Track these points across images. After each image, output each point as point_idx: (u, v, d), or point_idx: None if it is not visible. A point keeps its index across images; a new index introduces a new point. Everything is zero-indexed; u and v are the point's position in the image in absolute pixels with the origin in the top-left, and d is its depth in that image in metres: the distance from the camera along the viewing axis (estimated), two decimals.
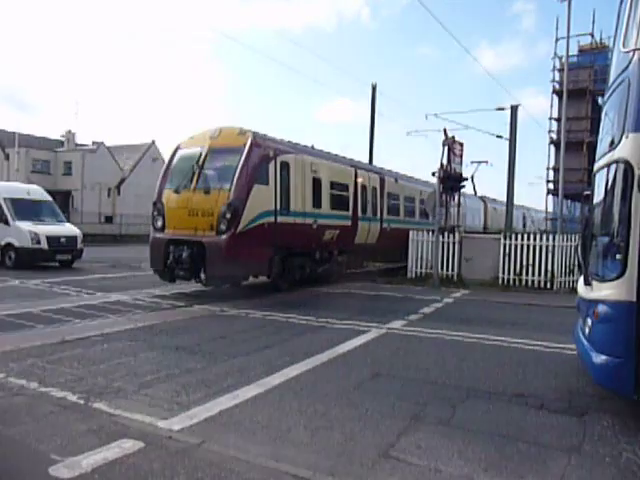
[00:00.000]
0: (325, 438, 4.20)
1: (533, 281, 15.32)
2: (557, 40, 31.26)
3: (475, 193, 20.85)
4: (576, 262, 13.92)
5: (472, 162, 21.82)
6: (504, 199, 22.15)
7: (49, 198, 19.84)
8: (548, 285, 15.15)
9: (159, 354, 6.72)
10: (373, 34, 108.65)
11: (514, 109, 21.00)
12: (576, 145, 29.55)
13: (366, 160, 23.45)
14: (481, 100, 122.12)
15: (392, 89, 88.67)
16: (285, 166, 12.85)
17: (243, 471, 3.60)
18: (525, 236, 15.86)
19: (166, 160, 13.63)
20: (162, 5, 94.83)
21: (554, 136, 32.55)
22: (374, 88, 26.11)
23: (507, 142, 21.18)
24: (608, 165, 4.95)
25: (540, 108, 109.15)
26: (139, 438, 4.05)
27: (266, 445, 4.04)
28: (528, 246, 15.44)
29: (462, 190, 21.42)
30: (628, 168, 4.49)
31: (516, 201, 23.41)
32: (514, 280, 15.50)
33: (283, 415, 4.67)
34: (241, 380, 5.63)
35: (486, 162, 22.72)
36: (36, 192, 19.44)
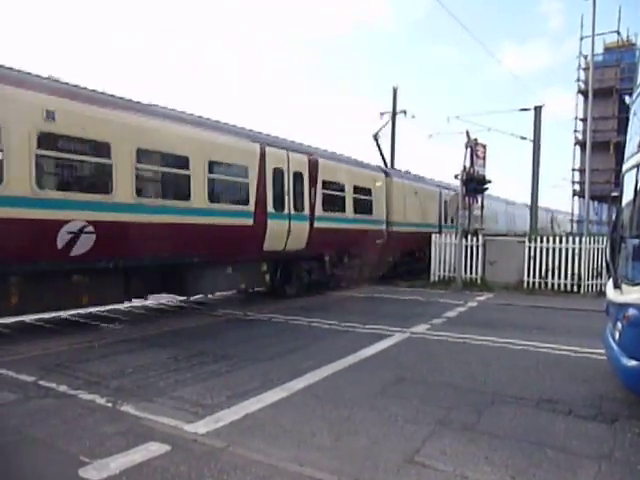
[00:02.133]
0: (349, 443, 4.19)
1: (559, 284, 15.06)
2: (582, 39, 30.75)
3: (384, 162, 19.94)
4: (604, 265, 13.63)
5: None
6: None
7: None
8: (575, 288, 14.87)
9: (184, 358, 6.79)
10: (395, 38, 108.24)
11: (538, 110, 20.71)
12: (602, 145, 28.99)
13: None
14: (505, 102, 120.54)
15: (414, 92, 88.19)
16: None
17: (268, 475, 3.61)
18: (551, 239, 15.60)
19: None
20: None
21: (579, 136, 31.94)
22: (395, 91, 26.01)
23: (531, 143, 20.92)
24: (638, 165, 4.85)
25: (565, 108, 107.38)
26: (165, 441, 4.10)
27: (290, 449, 4.05)
28: (554, 249, 15.19)
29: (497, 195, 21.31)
30: None
31: (541, 203, 23.05)
32: (539, 283, 15.27)
33: (307, 419, 4.68)
34: (265, 384, 5.65)
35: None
36: None
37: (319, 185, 13.43)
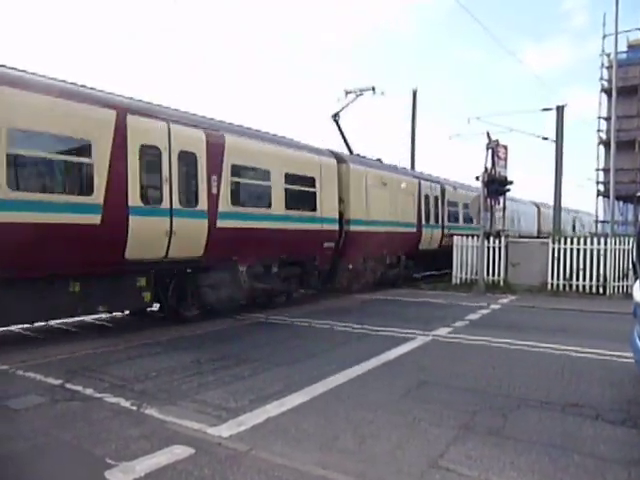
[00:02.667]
0: (372, 446, 4.17)
1: (584, 286, 14.79)
2: (605, 37, 30.17)
3: (347, 147, 16.32)
4: (630, 266, 13.36)
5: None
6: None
7: None
8: (600, 290, 14.59)
9: (206, 361, 6.83)
10: (414, 39, 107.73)
11: (560, 109, 20.44)
12: (627, 144, 28.42)
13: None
14: (527, 101, 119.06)
15: (434, 94, 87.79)
16: None
17: (292, 479, 3.61)
18: (575, 239, 15.35)
19: None
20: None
21: (603, 136, 31.36)
22: (414, 93, 25.93)
23: (553, 144, 20.62)
24: None
25: (589, 107, 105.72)
26: (189, 444, 4.13)
27: (313, 453, 4.04)
28: (578, 250, 14.94)
29: (518, 196, 20.97)
30: None
31: (564, 204, 22.70)
32: (564, 285, 15.03)
33: (330, 423, 4.67)
34: (287, 387, 5.65)
35: None
36: None
37: (226, 171, 10.20)
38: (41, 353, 7.14)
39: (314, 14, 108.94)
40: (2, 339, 8.09)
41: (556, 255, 15.16)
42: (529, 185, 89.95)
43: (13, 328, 8.40)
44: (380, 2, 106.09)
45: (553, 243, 15.33)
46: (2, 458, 3.96)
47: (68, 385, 5.69)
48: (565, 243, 15.18)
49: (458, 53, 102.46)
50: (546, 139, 21.70)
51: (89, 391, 5.49)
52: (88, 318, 9.80)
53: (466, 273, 16.71)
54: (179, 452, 3.98)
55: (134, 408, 5.00)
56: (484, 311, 11.58)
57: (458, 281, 16.75)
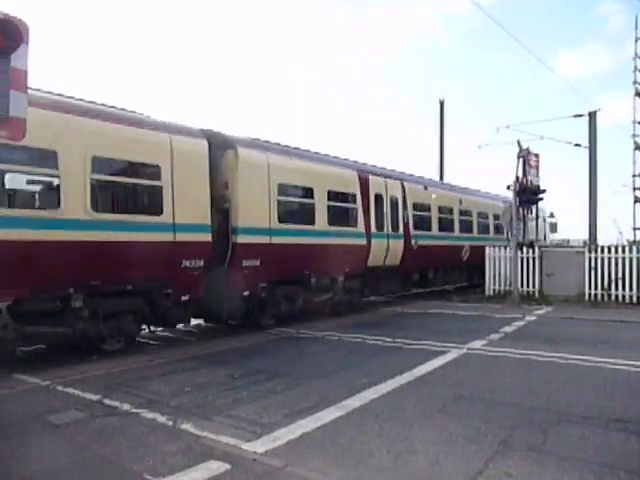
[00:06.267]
0: (409, 463, 4.11)
1: (624, 296, 14.35)
2: (637, 40, 29.56)
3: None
4: None
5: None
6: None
7: None
8: None
9: (240, 376, 6.86)
10: (449, 50, 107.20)
11: (592, 115, 20.08)
12: None
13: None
14: (560, 110, 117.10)
15: (464, 104, 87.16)
16: None
17: None
18: (612, 248, 14.94)
19: None
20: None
21: (639, 140, 30.55)
22: (442, 104, 25.83)
23: (586, 150, 20.21)
24: None
25: (625, 113, 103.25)
26: (225, 459, 4.14)
27: (349, 469, 4.00)
28: (616, 259, 14.53)
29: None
30: None
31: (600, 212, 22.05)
32: (602, 295, 14.60)
33: (365, 438, 4.62)
34: (321, 402, 5.63)
35: None
36: None
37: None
38: (79, 369, 7.28)
39: (352, 29, 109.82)
40: (42, 355, 8.30)
41: (593, 264, 14.78)
42: (564, 193, 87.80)
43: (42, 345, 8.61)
44: (414, 16, 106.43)
45: (589, 252, 14.95)
46: (44, 473, 4.04)
47: (106, 401, 5.79)
48: (602, 252, 14.80)
49: (489, 63, 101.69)
50: (578, 145, 21.29)
51: (126, 406, 5.57)
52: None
53: (499, 284, 16.42)
54: (215, 468, 4.00)
55: (170, 423, 5.05)
56: (519, 323, 11.34)
57: (491, 292, 16.47)
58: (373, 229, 13.66)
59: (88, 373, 7.08)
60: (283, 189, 11.11)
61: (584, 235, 24.33)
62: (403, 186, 15.29)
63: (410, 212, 15.43)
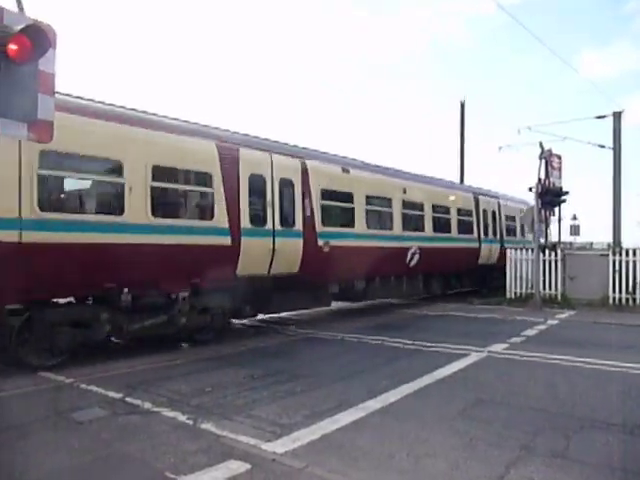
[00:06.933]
0: (429, 466, 4.08)
1: None
2: None
3: None
4: None
5: None
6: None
7: None
8: None
9: (260, 376, 6.90)
10: (468, 50, 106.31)
11: (617, 116, 19.73)
12: None
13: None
14: (584, 109, 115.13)
15: (484, 105, 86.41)
16: None
17: None
18: (637, 251, 14.65)
19: None
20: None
21: None
22: (462, 105, 25.63)
23: (611, 151, 19.87)
24: None
25: None
26: (245, 459, 4.16)
27: (369, 471, 4.00)
28: None
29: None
30: None
31: (625, 214, 21.69)
32: (627, 299, 14.34)
33: (385, 441, 4.60)
34: (341, 404, 5.62)
35: None
36: None
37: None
38: (103, 367, 7.40)
39: (376, 33, 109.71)
40: (70, 353, 8.43)
41: (617, 268, 14.52)
42: (588, 194, 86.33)
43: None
44: (438, 18, 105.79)
45: (614, 255, 14.69)
46: (68, 470, 4.11)
47: (128, 399, 5.87)
48: (627, 255, 14.53)
49: (511, 64, 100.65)
50: (602, 147, 20.93)
51: (148, 405, 5.64)
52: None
53: (521, 287, 16.23)
54: (235, 467, 4.02)
55: (191, 422, 5.10)
56: (541, 327, 11.19)
57: (512, 295, 16.29)
58: (245, 223, 9.83)
59: (111, 371, 7.18)
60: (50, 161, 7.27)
61: (608, 238, 24.03)
62: (305, 166, 11.33)
63: (317, 202, 11.47)
